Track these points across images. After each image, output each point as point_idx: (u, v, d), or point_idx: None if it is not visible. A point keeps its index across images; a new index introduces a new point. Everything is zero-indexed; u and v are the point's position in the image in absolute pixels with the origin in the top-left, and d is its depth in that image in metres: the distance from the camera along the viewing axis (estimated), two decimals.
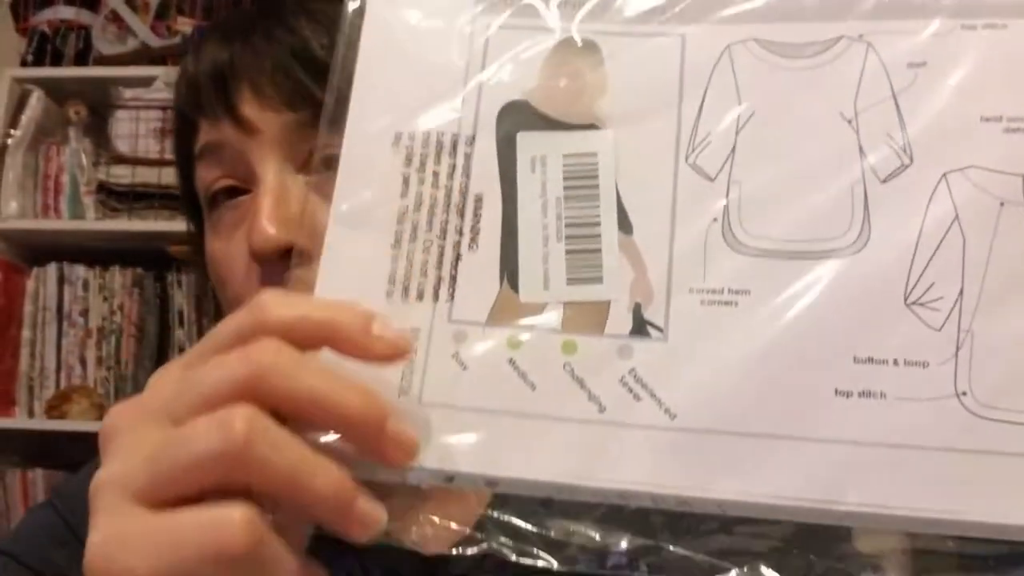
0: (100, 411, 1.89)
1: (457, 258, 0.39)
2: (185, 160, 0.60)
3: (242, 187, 0.54)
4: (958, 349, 0.35)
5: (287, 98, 0.52)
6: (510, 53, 0.41)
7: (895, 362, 0.35)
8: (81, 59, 2.07)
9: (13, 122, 2.00)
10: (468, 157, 0.40)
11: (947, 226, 0.36)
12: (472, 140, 0.40)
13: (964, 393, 0.34)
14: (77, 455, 1.87)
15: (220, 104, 0.54)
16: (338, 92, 0.42)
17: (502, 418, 0.36)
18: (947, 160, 0.37)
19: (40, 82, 2.03)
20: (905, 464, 0.34)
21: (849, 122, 0.38)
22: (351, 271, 0.39)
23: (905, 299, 0.36)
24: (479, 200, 0.39)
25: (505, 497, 0.37)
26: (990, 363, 0.35)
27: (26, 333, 1.96)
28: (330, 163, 0.41)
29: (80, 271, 1.99)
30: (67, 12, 2.08)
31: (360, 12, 0.43)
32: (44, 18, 2.09)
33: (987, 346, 0.35)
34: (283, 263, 0.46)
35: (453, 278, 0.38)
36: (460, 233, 0.39)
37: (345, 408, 0.31)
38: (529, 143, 0.40)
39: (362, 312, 0.33)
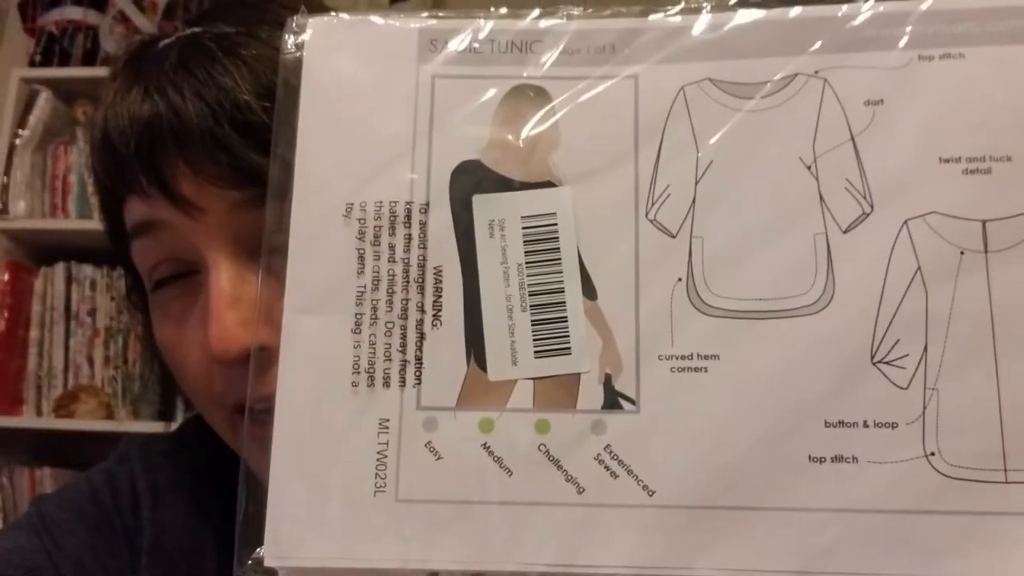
0: (108, 410, 1.90)
1: (421, 338, 0.38)
2: (115, 228, 0.53)
3: (188, 268, 0.49)
4: (924, 408, 0.35)
5: (229, 175, 0.45)
6: (458, 108, 0.40)
7: (865, 424, 0.35)
8: (89, 59, 2.07)
9: (21, 122, 1.99)
10: (424, 226, 0.39)
11: (909, 279, 0.36)
12: (426, 207, 0.39)
13: (932, 453, 0.35)
14: (85, 454, 1.88)
15: (151, 182, 0.47)
16: (282, 161, 0.40)
17: (481, 508, 0.36)
18: (908, 206, 0.37)
19: (48, 82, 2.02)
20: (880, 529, 0.34)
21: (809, 168, 0.38)
22: (313, 363, 0.38)
23: (872, 357, 0.36)
24: (439, 272, 0.38)
25: None
26: (956, 421, 0.35)
27: (34, 333, 1.96)
28: (281, 239, 0.39)
29: (88, 271, 1.99)
30: (75, 12, 2.07)
31: (295, 63, 0.41)
32: (52, 18, 2.08)
33: (952, 404, 0.35)
34: (245, 362, 0.42)
35: (419, 360, 0.38)
36: (422, 310, 0.38)
37: None
38: (485, 206, 0.39)
39: None
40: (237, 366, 0.43)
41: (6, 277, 1.94)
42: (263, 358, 0.40)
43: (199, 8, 2.05)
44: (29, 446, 1.95)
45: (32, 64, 2.06)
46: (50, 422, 1.90)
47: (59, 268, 1.99)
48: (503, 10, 0.41)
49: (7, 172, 1.97)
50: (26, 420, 1.92)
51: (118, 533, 0.58)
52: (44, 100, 2.01)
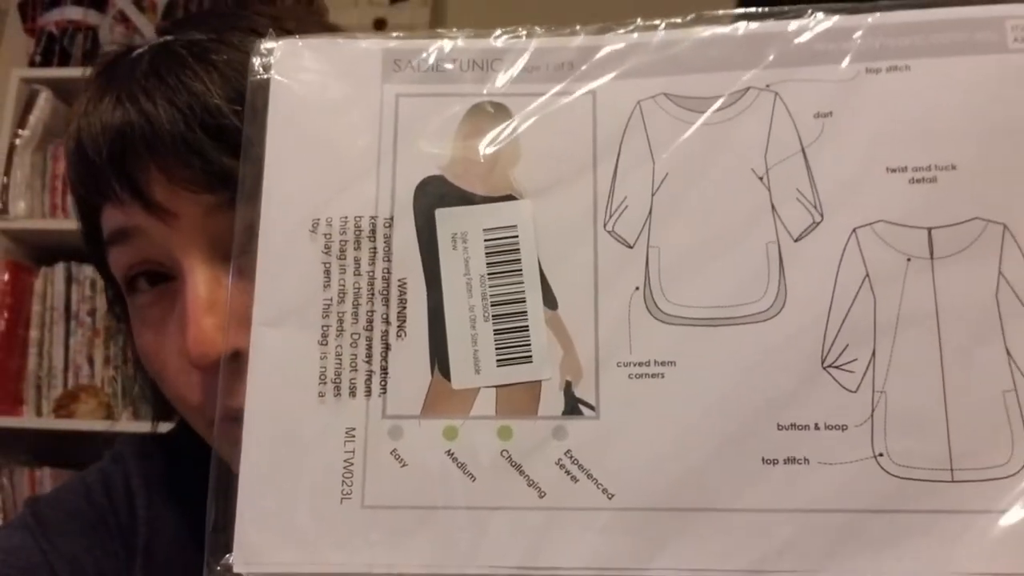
0: (108, 410, 1.91)
1: (386, 349, 0.39)
2: (92, 236, 0.53)
3: (164, 272, 0.49)
4: (873, 410, 0.36)
5: (202, 180, 0.46)
6: (421, 125, 0.41)
7: (816, 427, 0.36)
8: (89, 59, 2.07)
9: (21, 122, 2.00)
10: (388, 240, 0.40)
11: (858, 286, 0.37)
12: (391, 222, 0.40)
13: (881, 454, 0.36)
14: (85, 454, 1.89)
15: (124, 188, 0.47)
16: (252, 165, 0.41)
17: (447, 514, 0.37)
18: (856, 215, 0.38)
19: (48, 82, 2.02)
20: (830, 528, 0.36)
21: (761, 179, 0.39)
22: (281, 374, 0.39)
23: (822, 362, 0.37)
24: (403, 285, 0.39)
25: None
26: (903, 423, 0.36)
27: (34, 333, 1.97)
28: (254, 241, 0.40)
29: (88, 271, 2.00)
30: (75, 12, 2.08)
31: (263, 85, 0.41)
32: (52, 18, 2.08)
33: (900, 406, 0.36)
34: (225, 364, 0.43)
35: (384, 370, 0.39)
36: (387, 322, 0.39)
37: None
38: (448, 219, 0.40)
39: None
40: (215, 372, 0.44)
41: (6, 277, 1.95)
42: (236, 367, 0.41)
43: (199, 8, 2.07)
44: (29, 446, 1.96)
45: (32, 64, 2.07)
46: (50, 422, 1.91)
47: (59, 268, 2.00)
48: (464, 30, 0.42)
49: (7, 172, 1.99)
50: (26, 420, 1.93)
51: (113, 532, 0.59)
52: (44, 100, 2.02)
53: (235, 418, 0.40)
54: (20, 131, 2.01)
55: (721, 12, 0.41)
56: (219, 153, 0.46)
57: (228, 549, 0.38)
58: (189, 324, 0.45)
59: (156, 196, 0.47)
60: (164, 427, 0.66)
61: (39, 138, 2.03)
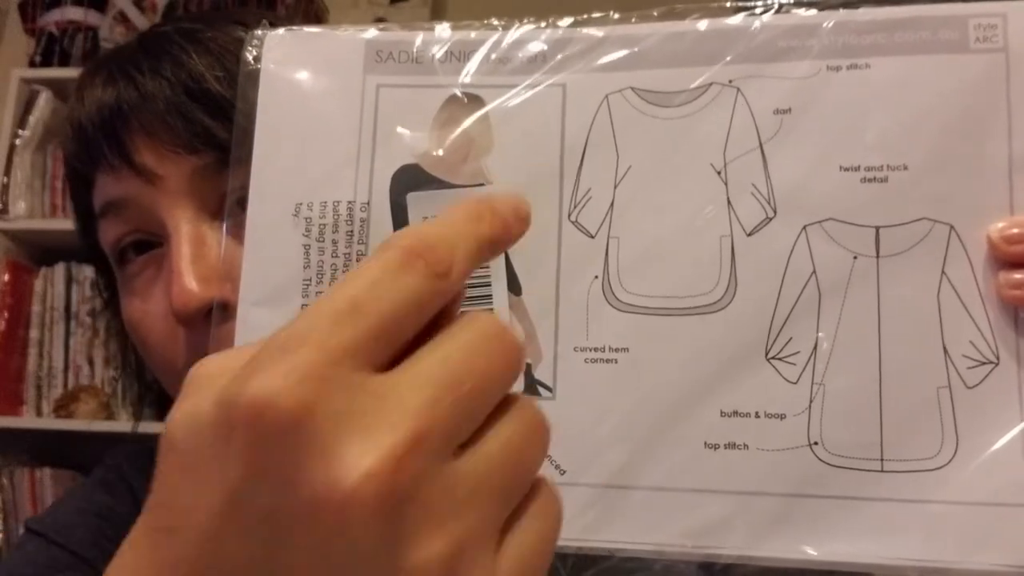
0: (107, 411, 1.93)
1: None
2: (85, 216, 0.57)
3: (153, 239, 0.52)
4: (811, 401, 0.38)
5: (186, 142, 0.49)
6: (400, 115, 0.43)
7: (756, 415, 0.39)
8: (89, 59, 2.11)
9: (21, 122, 2.04)
10: (364, 223, 0.42)
11: (804, 281, 0.39)
12: (367, 207, 0.42)
13: (816, 443, 0.38)
14: (85, 454, 1.92)
15: (114, 154, 0.51)
16: (243, 130, 0.43)
17: None
18: (807, 212, 0.40)
19: (48, 82, 2.06)
20: (765, 511, 0.38)
21: (719, 173, 0.41)
22: None
23: (766, 354, 0.39)
24: None
25: None
26: (839, 414, 0.38)
27: (34, 333, 2.00)
28: (244, 203, 0.42)
29: (88, 271, 2.01)
30: (75, 13, 2.11)
31: (254, 74, 0.44)
32: (52, 19, 2.11)
33: (836, 398, 0.38)
34: (208, 320, 0.46)
35: None
36: None
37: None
38: (418, 203, 0.42)
39: (495, 220, 0.29)
40: (199, 330, 0.47)
41: (6, 277, 1.98)
42: (228, 316, 0.43)
43: (199, 8, 2.09)
44: (29, 446, 1.99)
45: (32, 64, 2.10)
46: (50, 422, 1.94)
47: (59, 268, 2.02)
48: (445, 23, 0.44)
49: (7, 172, 2.02)
50: (26, 420, 1.96)
51: (120, 518, 0.61)
52: (44, 100, 2.05)
53: None
54: (20, 131, 2.04)
55: (693, 5, 0.42)
56: (202, 115, 0.49)
57: None
58: (173, 277, 0.47)
59: (143, 159, 0.50)
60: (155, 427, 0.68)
61: (39, 138, 2.05)
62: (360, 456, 0.22)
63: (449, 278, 0.26)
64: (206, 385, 0.24)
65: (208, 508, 0.23)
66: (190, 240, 0.49)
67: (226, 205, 0.45)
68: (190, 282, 0.47)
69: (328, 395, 0.23)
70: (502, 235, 0.29)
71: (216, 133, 0.49)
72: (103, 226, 0.54)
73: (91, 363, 1.99)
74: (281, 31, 0.45)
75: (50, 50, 2.10)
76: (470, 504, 0.24)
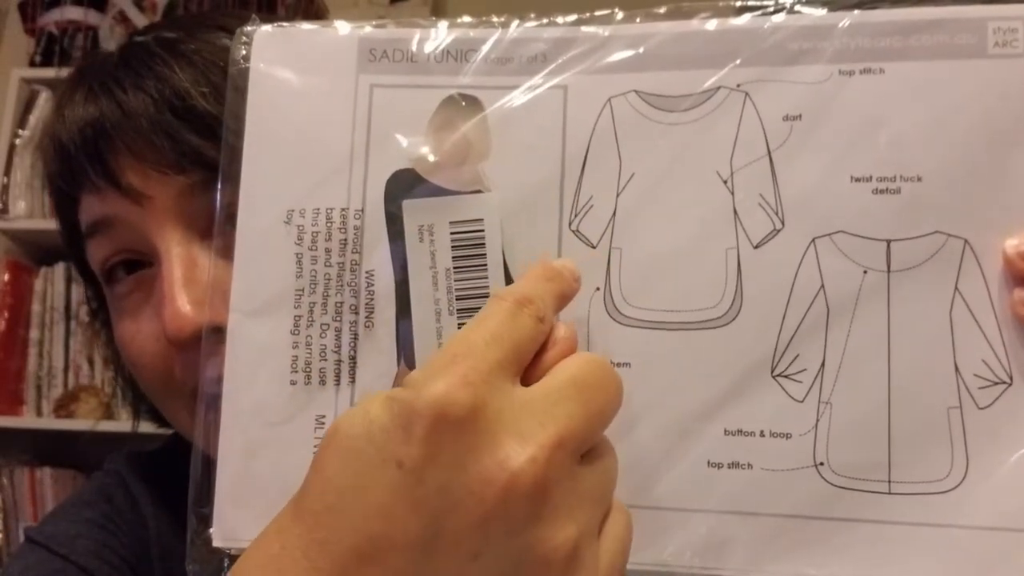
0: (107, 410, 1.94)
1: (355, 339, 0.40)
2: (71, 233, 0.55)
3: (142, 259, 0.51)
4: (817, 421, 0.37)
5: (173, 161, 0.48)
6: (395, 117, 0.41)
7: (761, 434, 0.38)
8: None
9: (21, 122, 2.05)
10: (358, 231, 0.41)
11: (813, 296, 0.38)
12: (361, 214, 0.41)
13: (821, 463, 0.37)
14: (85, 454, 1.91)
15: (99, 175, 0.50)
16: (232, 147, 0.42)
17: None
18: (817, 224, 0.38)
19: (48, 82, 2.06)
20: (769, 531, 0.37)
21: (725, 182, 0.39)
22: (256, 362, 0.41)
23: (772, 371, 0.38)
24: (371, 276, 0.41)
25: None
26: (846, 435, 0.37)
27: (34, 333, 2.01)
28: (234, 220, 0.41)
29: None
30: (75, 13, 2.11)
31: (243, 73, 0.42)
32: (52, 19, 2.12)
33: (843, 418, 0.38)
34: (199, 344, 0.44)
35: (352, 360, 0.40)
36: (355, 312, 0.40)
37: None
38: (415, 211, 0.40)
39: (565, 280, 0.37)
40: (192, 350, 0.45)
41: (6, 277, 1.99)
42: (222, 339, 0.42)
43: (199, 8, 2.08)
44: (29, 446, 2.00)
45: (32, 64, 2.11)
46: (50, 422, 1.95)
47: (59, 268, 2.03)
48: (442, 21, 0.43)
49: (7, 172, 2.03)
50: (26, 420, 1.97)
51: (122, 528, 0.61)
52: (44, 100, 2.06)
53: (214, 395, 0.42)
54: (20, 131, 2.06)
55: (700, 3, 0.41)
56: (189, 134, 0.48)
57: (209, 525, 0.40)
58: (165, 302, 0.47)
59: (129, 180, 0.49)
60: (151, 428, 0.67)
61: (39, 138, 2.04)
62: (521, 446, 0.30)
63: (546, 322, 0.34)
64: (365, 399, 0.32)
65: (381, 485, 0.29)
66: (181, 262, 0.48)
67: (216, 223, 0.43)
68: (184, 306, 0.46)
69: (492, 397, 0.31)
70: (568, 291, 0.37)
71: (204, 152, 0.48)
72: (91, 245, 0.53)
73: (91, 363, 2.00)
74: (270, 28, 0.43)
75: (50, 50, 2.11)
76: (589, 502, 0.31)
